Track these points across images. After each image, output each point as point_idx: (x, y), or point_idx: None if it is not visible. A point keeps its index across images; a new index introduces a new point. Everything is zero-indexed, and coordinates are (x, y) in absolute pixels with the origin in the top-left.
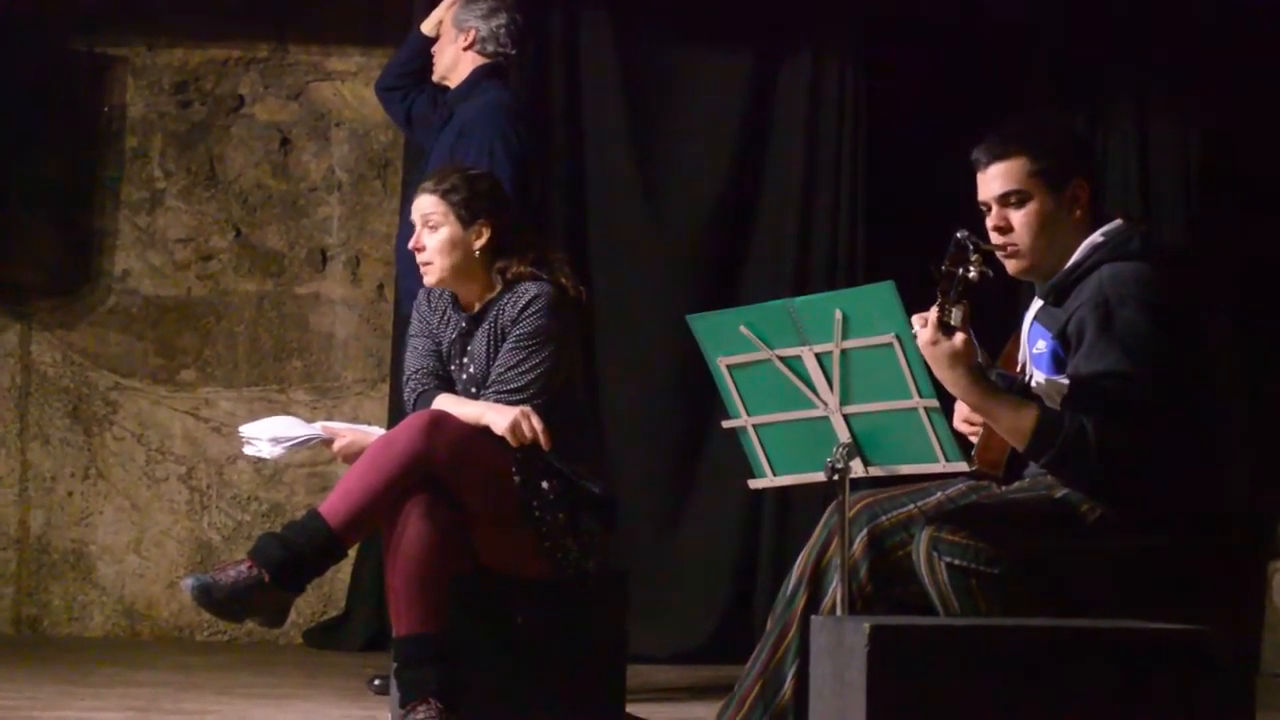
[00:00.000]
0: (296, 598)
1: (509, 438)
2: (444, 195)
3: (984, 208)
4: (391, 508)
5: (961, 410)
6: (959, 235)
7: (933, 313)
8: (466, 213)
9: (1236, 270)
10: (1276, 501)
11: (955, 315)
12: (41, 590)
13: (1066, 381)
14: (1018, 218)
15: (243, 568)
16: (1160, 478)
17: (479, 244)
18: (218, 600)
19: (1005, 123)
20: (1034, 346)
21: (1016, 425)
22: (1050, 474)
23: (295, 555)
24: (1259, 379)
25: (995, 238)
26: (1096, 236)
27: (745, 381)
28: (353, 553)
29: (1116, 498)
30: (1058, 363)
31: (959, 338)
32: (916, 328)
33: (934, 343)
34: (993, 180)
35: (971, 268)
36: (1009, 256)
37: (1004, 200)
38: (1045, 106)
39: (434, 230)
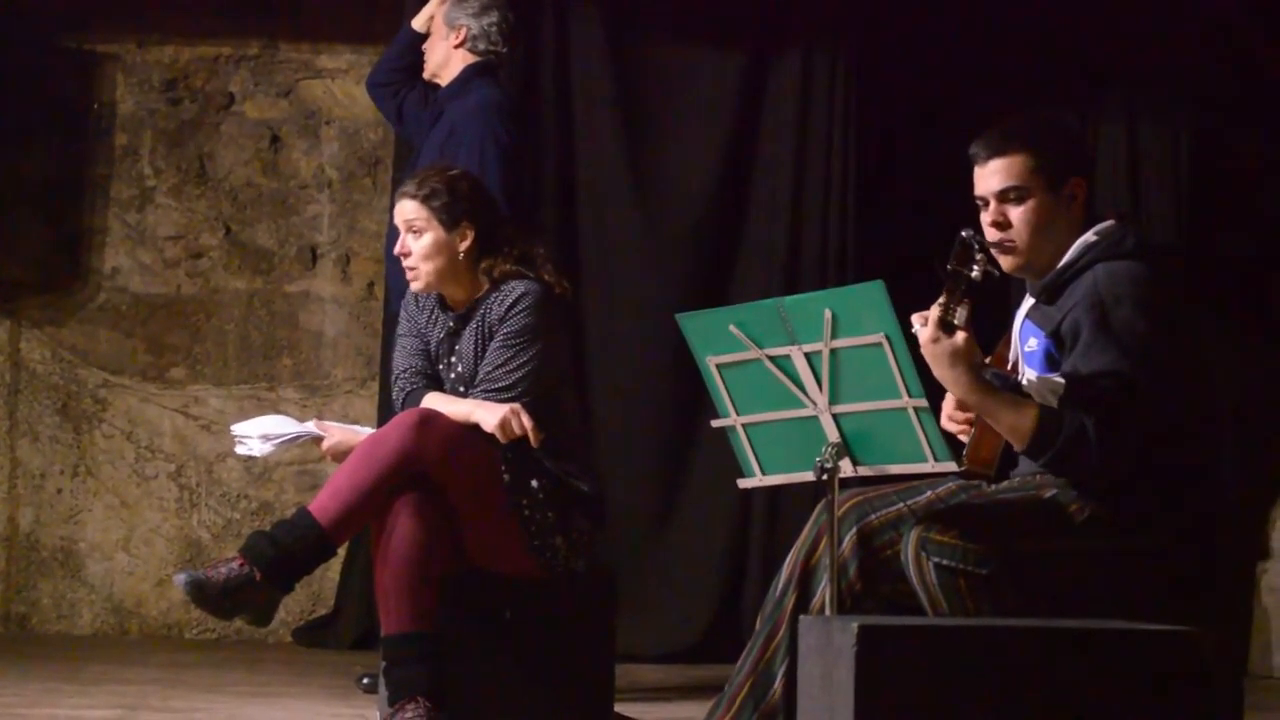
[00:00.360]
0: (285, 596)
1: (498, 435)
2: (425, 200)
3: (980, 202)
4: (381, 506)
5: (947, 409)
6: (964, 234)
7: (933, 311)
8: (448, 217)
9: (1226, 269)
10: (1265, 502)
11: (959, 315)
12: (30, 588)
13: (1059, 379)
14: (1016, 214)
15: (234, 565)
16: (1159, 477)
17: (464, 246)
18: (210, 596)
19: (1005, 119)
20: (1026, 344)
21: (1016, 424)
22: (1050, 473)
23: (286, 553)
24: (1247, 379)
25: (992, 233)
26: (1090, 236)
27: (734, 381)
28: (342, 551)
29: (1115, 497)
30: (1050, 361)
31: (960, 336)
32: (916, 326)
33: (935, 341)
34: (992, 175)
35: (975, 267)
36: (1005, 253)
37: (1003, 196)
38: (1037, 105)
39: (418, 235)
